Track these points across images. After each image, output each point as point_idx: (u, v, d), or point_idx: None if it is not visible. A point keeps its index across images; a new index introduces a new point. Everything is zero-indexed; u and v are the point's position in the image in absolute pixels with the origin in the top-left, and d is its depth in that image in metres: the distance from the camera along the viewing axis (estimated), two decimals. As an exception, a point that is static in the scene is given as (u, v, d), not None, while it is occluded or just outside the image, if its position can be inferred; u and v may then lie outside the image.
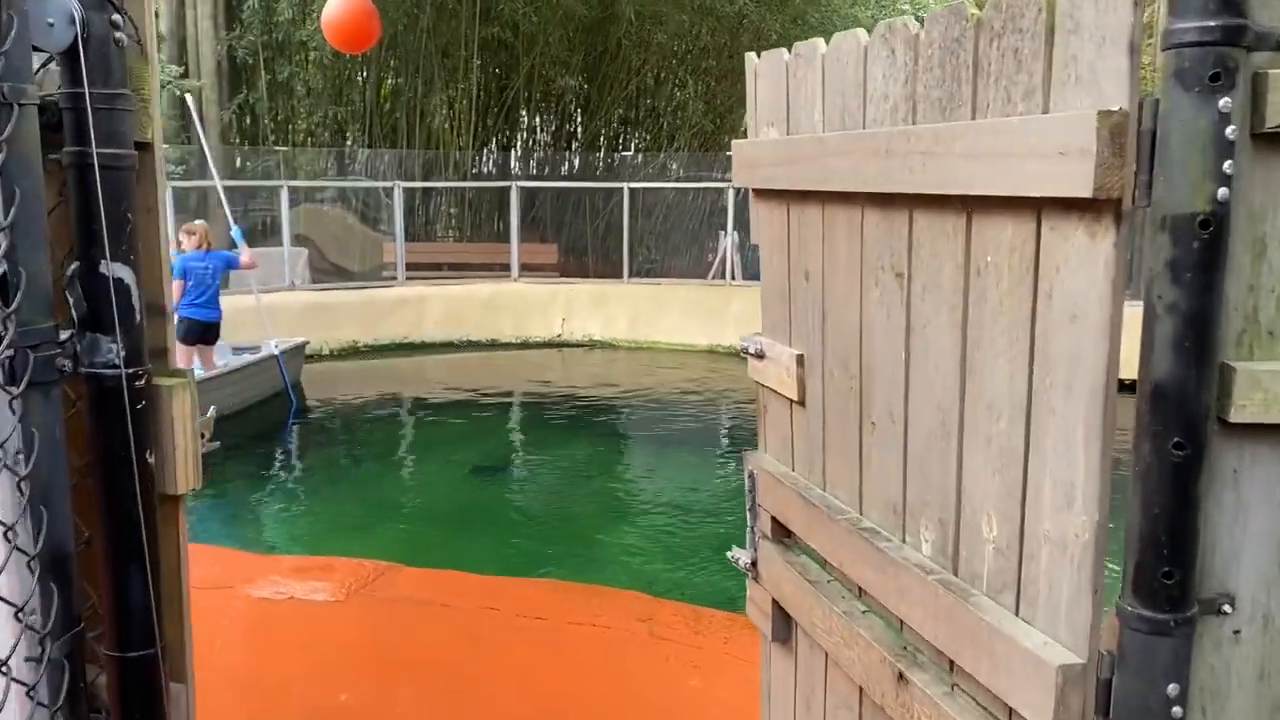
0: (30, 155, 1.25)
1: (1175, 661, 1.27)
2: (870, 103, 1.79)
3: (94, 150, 1.33)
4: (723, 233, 14.92)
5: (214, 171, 10.64)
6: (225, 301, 9.64)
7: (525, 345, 13.68)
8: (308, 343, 11.30)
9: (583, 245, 17.10)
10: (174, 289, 8.73)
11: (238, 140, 16.08)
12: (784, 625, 2.31)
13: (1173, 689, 1.27)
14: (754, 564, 2.38)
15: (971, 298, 1.57)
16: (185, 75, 14.24)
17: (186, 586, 1.60)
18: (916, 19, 1.68)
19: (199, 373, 9.13)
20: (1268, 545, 1.31)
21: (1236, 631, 1.32)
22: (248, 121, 16.57)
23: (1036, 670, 1.38)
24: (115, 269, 1.39)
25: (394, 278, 14.38)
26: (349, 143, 16.84)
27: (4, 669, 1.23)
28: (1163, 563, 1.25)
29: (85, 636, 1.40)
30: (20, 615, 1.26)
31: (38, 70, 1.40)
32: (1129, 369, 1.25)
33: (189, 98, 11.24)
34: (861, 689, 1.93)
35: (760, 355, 2.31)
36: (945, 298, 1.63)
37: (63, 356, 1.36)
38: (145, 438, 1.46)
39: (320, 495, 7.72)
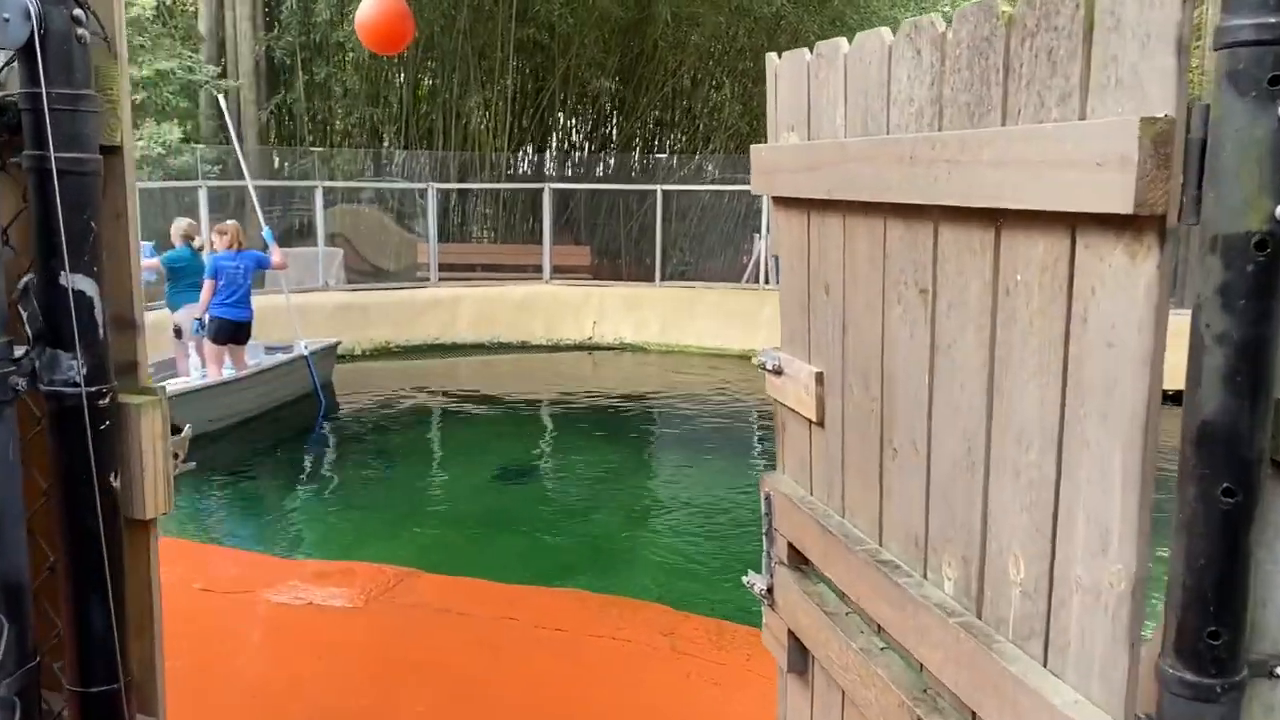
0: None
1: (1221, 729, 1.14)
2: (894, 106, 1.67)
3: (52, 154, 1.25)
4: (757, 235, 14.78)
5: (245, 171, 10.65)
6: (257, 301, 9.65)
7: (556, 348, 13.61)
8: (339, 343, 11.30)
9: (616, 248, 17.01)
10: (205, 289, 8.79)
11: (275, 141, 16.15)
12: (800, 657, 2.19)
13: (1218, 760, 1.14)
14: (770, 591, 2.26)
15: (1000, 318, 1.44)
16: (223, 75, 14.32)
17: (159, 616, 1.51)
18: (944, 18, 1.56)
19: (229, 372, 9.15)
20: (1327, 601, 1.18)
21: (1290, 695, 1.19)
22: (285, 122, 16.65)
23: (1065, 731, 1.25)
24: (76, 281, 1.30)
25: (427, 278, 14.37)
26: (385, 144, 16.87)
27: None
28: (1208, 621, 1.12)
29: (41, 671, 1.31)
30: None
31: (1, 68, 1.32)
32: (1173, 379, 1.13)
33: (222, 98, 11.29)
34: (879, 731, 1.81)
35: (778, 371, 2.20)
36: (972, 317, 1.51)
37: (17, 374, 1.28)
38: (110, 459, 1.37)
39: (346, 497, 7.68)
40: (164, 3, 14.55)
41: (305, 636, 4.52)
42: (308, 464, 8.78)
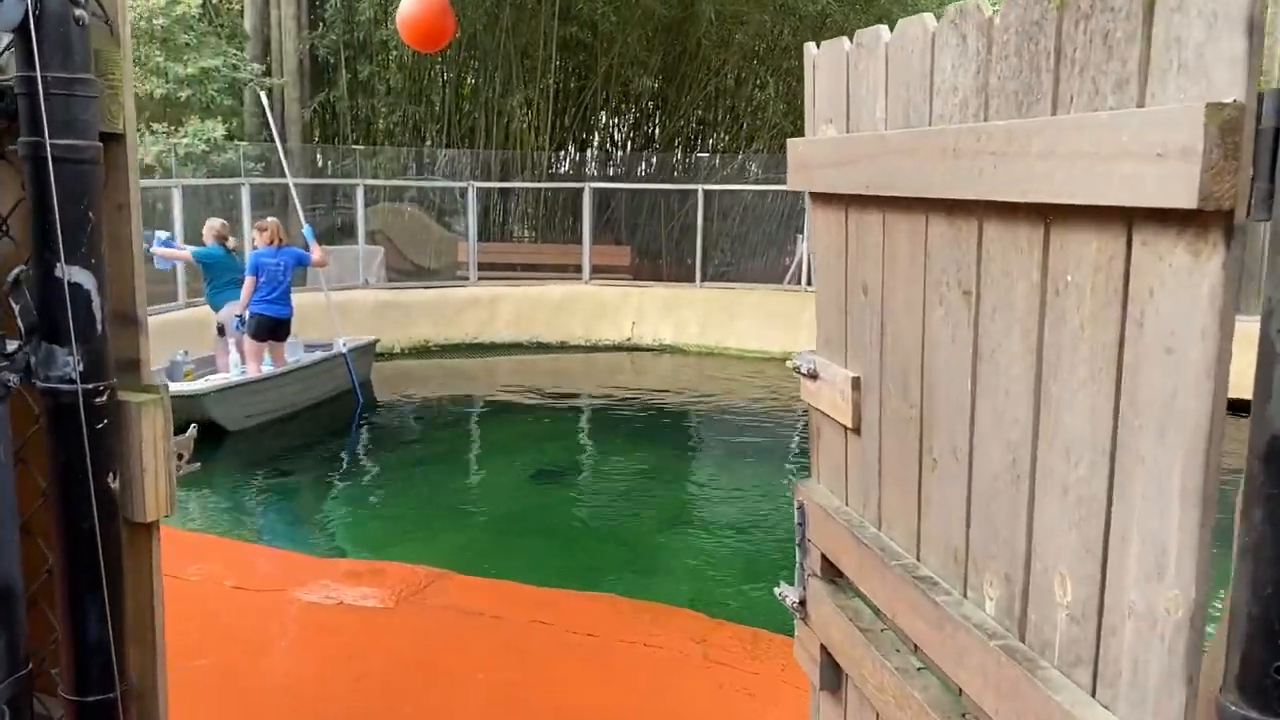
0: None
1: (1290, 775, 1.04)
2: (937, 96, 1.58)
3: (47, 140, 1.19)
4: (800, 236, 14.63)
5: (286, 169, 10.71)
6: (298, 299, 9.70)
7: (595, 348, 13.56)
8: (377, 341, 11.33)
9: (656, 248, 16.93)
10: (246, 285, 8.84)
11: (318, 139, 16.27)
12: (834, 674, 2.10)
13: (1286, 808, 1.04)
14: (803, 603, 2.17)
15: (1048, 321, 1.35)
16: (268, 74, 14.43)
17: (161, 623, 1.46)
18: (990, 2, 1.47)
19: (268, 368, 9.20)
20: None
21: (1367, 738, 1.09)
22: (329, 120, 16.76)
23: (1116, 770, 1.16)
24: (72, 273, 1.25)
25: (467, 277, 14.39)
26: (427, 143, 16.92)
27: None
28: (1276, 655, 1.02)
29: (33, 679, 1.26)
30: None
31: (0, 52, 1.27)
32: (1237, 387, 1.03)
33: (264, 95, 11.36)
34: (914, 757, 1.72)
35: (813, 375, 2.11)
36: (1018, 320, 1.42)
37: (10, 370, 1.23)
38: (108, 459, 1.32)
39: (381, 496, 7.68)
40: (210, 1, 14.70)
41: (335, 637, 4.49)
42: (344, 461, 8.80)
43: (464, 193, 14.82)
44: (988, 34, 1.44)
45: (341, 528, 6.88)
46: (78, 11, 1.22)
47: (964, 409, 1.57)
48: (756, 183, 17.22)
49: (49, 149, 1.21)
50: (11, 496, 1.24)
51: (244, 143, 13.37)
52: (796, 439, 9.63)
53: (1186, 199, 1.03)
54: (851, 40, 1.88)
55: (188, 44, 12.80)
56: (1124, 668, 1.22)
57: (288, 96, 15.06)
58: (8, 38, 1.25)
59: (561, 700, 3.91)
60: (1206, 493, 1.09)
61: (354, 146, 15.58)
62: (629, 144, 19.42)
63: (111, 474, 1.33)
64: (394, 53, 16.29)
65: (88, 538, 1.28)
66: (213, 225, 9.43)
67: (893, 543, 1.83)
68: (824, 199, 2.04)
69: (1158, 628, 1.16)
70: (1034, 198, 1.30)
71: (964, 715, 1.59)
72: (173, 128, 12.32)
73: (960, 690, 1.60)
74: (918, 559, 1.74)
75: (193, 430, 1.49)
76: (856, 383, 1.94)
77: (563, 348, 13.51)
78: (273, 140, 11.00)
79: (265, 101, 10.88)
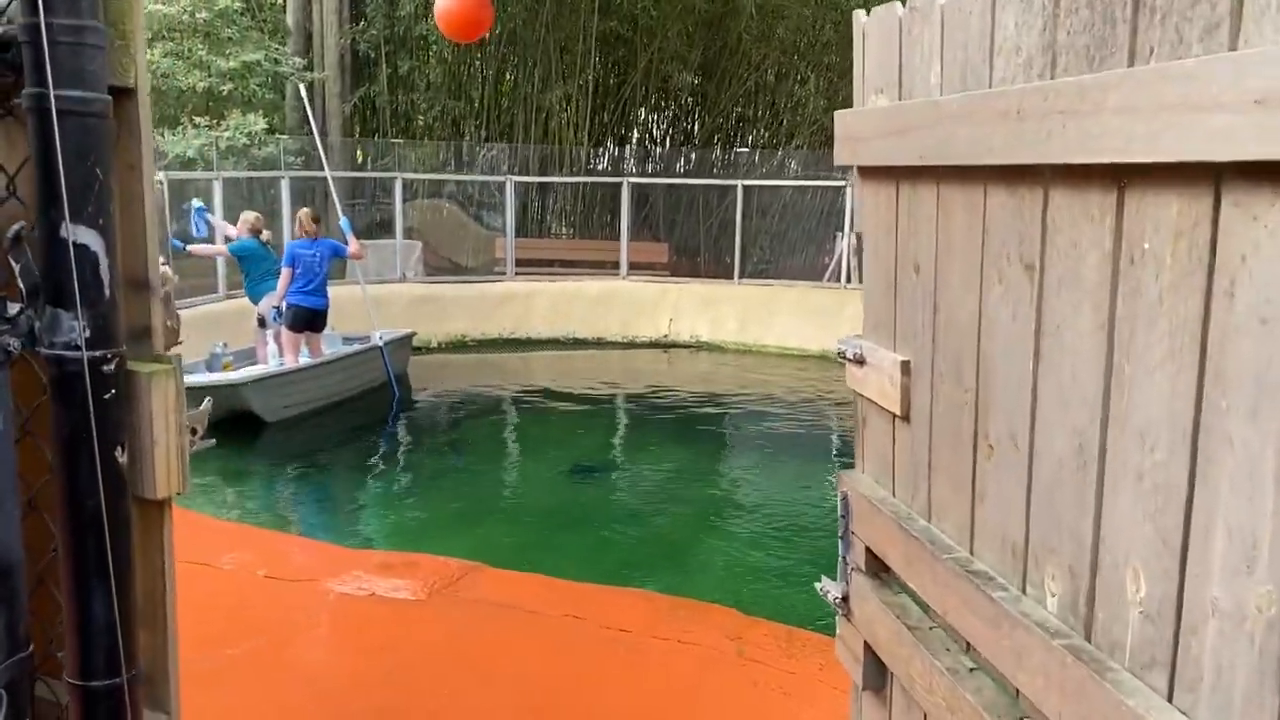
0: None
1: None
2: (998, 57, 1.48)
3: (51, 91, 1.12)
4: (840, 234, 14.46)
5: (325, 162, 10.73)
6: (335, 292, 9.71)
7: (631, 345, 13.48)
8: (414, 334, 11.32)
9: (694, 245, 16.82)
10: (283, 277, 8.86)
11: (358, 133, 16.32)
12: (878, 674, 2.00)
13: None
14: (845, 599, 2.07)
15: (1122, 293, 1.24)
16: (309, 68, 14.49)
17: (172, 606, 1.39)
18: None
19: (305, 359, 9.21)
20: None
21: None
22: (368, 116, 16.81)
23: (1199, 783, 1.05)
24: (78, 233, 1.18)
25: (504, 273, 14.37)
26: (466, 138, 16.93)
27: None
28: (1389, 659, 0.91)
29: (33, 661, 1.20)
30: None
31: (8, 3, 1.21)
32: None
33: (303, 88, 11.39)
34: (966, 763, 1.61)
35: (860, 361, 2.01)
36: (1087, 294, 1.31)
37: (11, 335, 1.16)
38: (115, 431, 1.25)
39: (415, 488, 7.65)
40: (252, -4, 14.81)
41: (366, 628, 4.45)
42: (379, 454, 8.79)
43: (502, 188, 14.79)
44: (1056, -14, 1.33)
45: (376, 519, 6.85)
46: (85, -46, 1.15)
47: (1024, 392, 1.47)
48: (796, 179, 17.06)
49: (53, 100, 1.14)
50: (12, 468, 1.17)
51: (284, 136, 13.43)
52: (835, 437, 9.49)
53: (1289, 150, 0.92)
54: (905, 5, 1.78)
55: (230, 38, 12.87)
56: (1206, 671, 1.11)
57: (328, 91, 15.12)
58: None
59: (594, 696, 3.84)
60: (1307, 477, 0.98)
61: (393, 141, 15.61)
62: (668, 140, 19.32)
63: (119, 447, 1.26)
64: (434, 47, 16.31)
65: (93, 514, 1.22)
66: (246, 218, 9.48)
67: (944, 535, 1.72)
68: (873, 173, 1.93)
69: (1246, 627, 1.05)
70: (1108, 158, 1.19)
71: (1022, 719, 1.49)
72: (215, 121, 12.40)
73: (1018, 692, 1.50)
74: (971, 552, 1.64)
75: (207, 403, 1.43)
76: (906, 367, 1.83)
77: (599, 344, 13.45)
78: (313, 134, 11.03)
79: (304, 94, 10.91)
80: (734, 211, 14.35)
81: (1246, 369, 1.04)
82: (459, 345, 13.05)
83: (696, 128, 19.22)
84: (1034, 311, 1.43)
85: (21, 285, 1.18)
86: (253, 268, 9.32)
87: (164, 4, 12.16)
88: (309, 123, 10.97)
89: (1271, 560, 1.02)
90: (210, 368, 9.16)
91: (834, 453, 8.90)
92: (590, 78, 16.79)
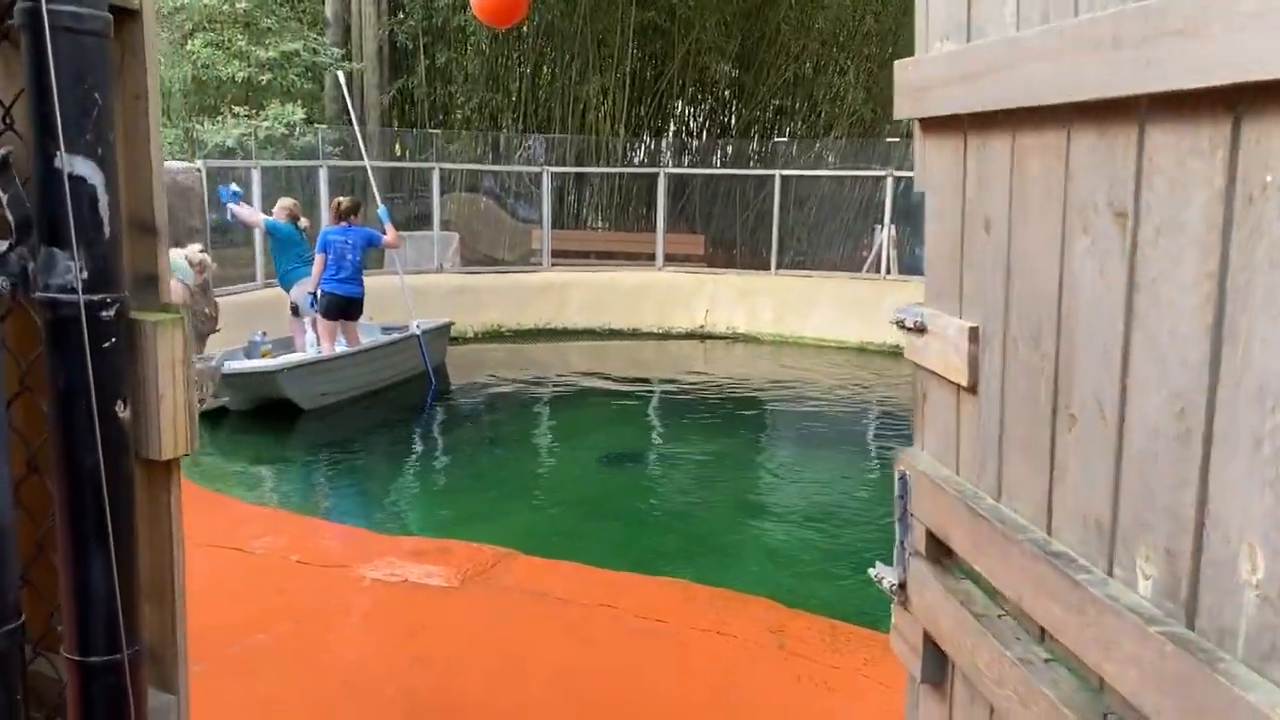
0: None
1: None
2: (1088, -17, 1.33)
3: (44, 5, 1.02)
4: (879, 226, 14.24)
5: (364, 152, 10.70)
6: (374, 281, 9.68)
7: (667, 335, 13.35)
8: (451, 324, 11.27)
9: (731, 236, 16.64)
10: (316, 264, 8.84)
11: (396, 124, 16.31)
12: (938, 665, 1.86)
13: None
14: (902, 586, 1.94)
15: (1236, 238, 1.10)
16: (348, 59, 14.48)
17: (181, 577, 1.28)
18: None
19: (341, 347, 9.18)
20: None
21: None
22: (406, 107, 16.80)
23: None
24: (74, 164, 1.07)
25: (540, 263, 14.30)
26: (503, 129, 16.86)
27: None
28: None
29: (24, 633, 1.10)
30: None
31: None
32: None
33: (341, 75, 11.37)
34: (1041, 763, 1.47)
35: (920, 329, 1.87)
36: (1192, 240, 1.16)
37: (1, 274, 1.06)
38: (116, 384, 1.15)
39: (450, 476, 7.58)
40: (291, -15, 14.83)
41: (398, 615, 4.36)
42: (415, 442, 8.73)
43: (538, 179, 14.71)
44: (1159, -104, 1.19)
45: (410, 506, 6.79)
46: None
47: (1113, 355, 1.33)
48: (834, 170, 16.81)
49: (46, 15, 1.03)
50: (3, 424, 1.07)
51: (323, 126, 13.43)
52: (874, 429, 9.31)
53: None
54: (975, -60, 1.64)
55: (269, 28, 12.89)
56: (1339, 661, 0.97)
57: (367, 83, 15.12)
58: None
59: (629, 688, 3.72)
60: None
61: (431, 132, 15.58)
62: (705, 133, 19.15)
63: (121, 402, 1.15)
64: (472, 39, 16.26)
65: (91, 473, 1.11)
66: (285, 204, 9.50)
67: (1016, 515, 1.58)
68: (937, 126, 1.79)
69: (1392, 611, 0.91)
70: (1225, 78, 1.05)
71: (1107, 715, 1.35)
72: (254, 111, 12.41)
73: (1102, 684, 1.36)
74: (1048, 533, 1.50)
75: (219, 356, 1.32)
76: (974, 334, 1.69)
77: (635, 335, 13.34)
78: (351, 124, 11.00)
79: (343, 81, 10.88)
80: (771, 203, 14.17)
81: (1397, 312, 0.90)
82: (495, 335, 12.99)
83: (733, 120, 19.04)
84: (1126, 264, 1.29)
85: (10, 217, 1.08)
86: (284, 252, 9.34)
87: (204, -6, 12.21)
88: (348, 112, 10.94)
89: None
90: (249, 355, 9.15)
91: (873, 443, 8.72)
92: (627, 69, 16.67)
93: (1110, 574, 1.34)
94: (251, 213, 9.75)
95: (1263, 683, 1.05)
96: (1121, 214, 1.30)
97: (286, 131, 12.07)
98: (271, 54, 12.55)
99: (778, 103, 18.86)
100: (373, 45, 15.13)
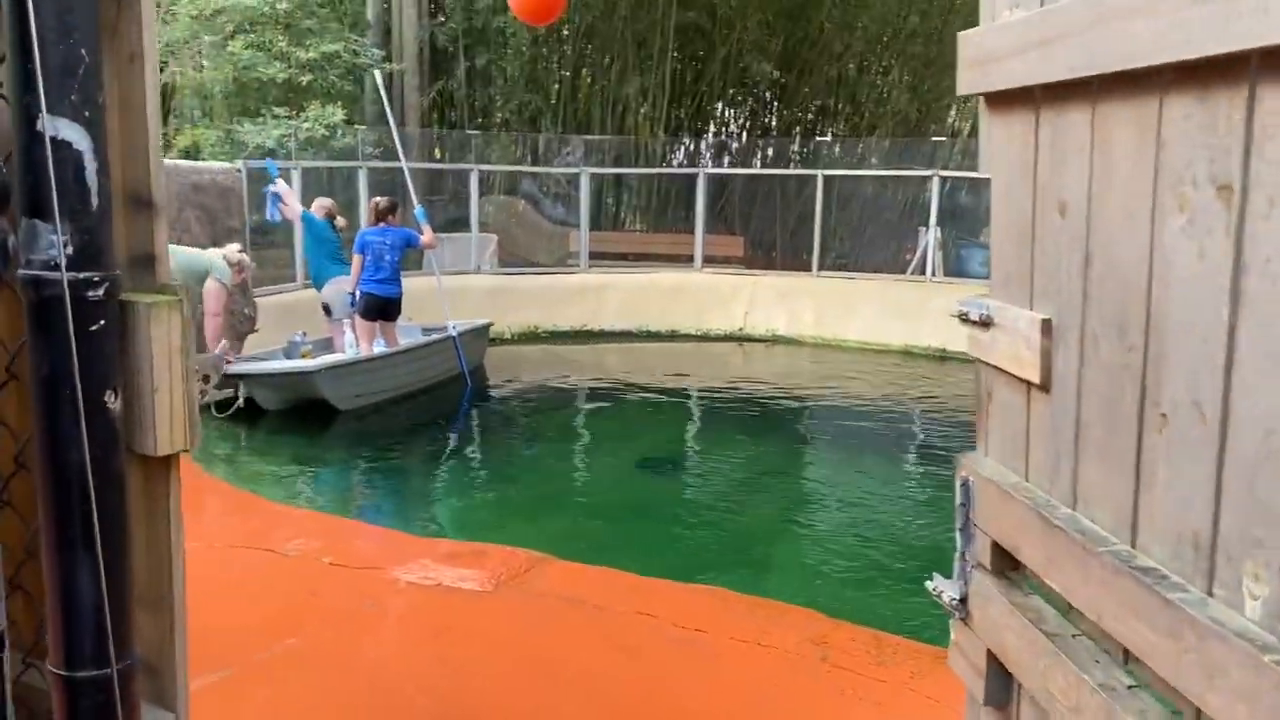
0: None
1: None
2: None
3: (23, -56, 0.91)
4: (923, 228, 14.00)
5: (400, 153, 10.68)
6: (412, 283, 9.65)
7: (705, 338, 13.20)
8: (490, 325, 11.21)
9: (771, 238, 16.47)
10: (355, 264, 8.82)
11: (436, 126, 16.31)
12: (1002, 687, 1.72)
13: None
14: (963, 601, 1.79)
15: (1372, 209, 0.95)
16: (388, 60, 14.50)
17: (180, 585, 1.18)
18: None
19: (379, 348, 9.13)
20: None
21: None
22: (446, 109, 16.80)
23: None
24: (58, 127, 0.97)
25: (577, 265, 14.22)
26: (542, 131, 16.81)
27: None
28: None
29: (4, 647, 0.99)
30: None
31: None
32: None
33: (378, 74, 11.36)
34: (1125, 801, 1.33)
35: (985, 323, 1.73)
36: (1315, 214, 1.02)
37: (-26, 245, 0.96)
38: (105, 371, 1.04)
39: (486, 479, 7.50)
40: (332, -13, 14.88)
41: (430, 619, 4.27)
42: (451, 443, 8.67)
43: (575, 181, 14.63)
44: None
45: (445, 509, 6.71)
46: None
47: (1215, 347, 1.18)
48: (878, 170, 16.58)
49: (25, -44, 0.93)
50: (-24, 410, 0.97)
51: (362, 127, 13.44)
52: (920, 434, 9.11)
53: None
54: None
55: (310, 29, 12.92)
56: None
57: (407, 84, 15.13)
58: None
59: (665, 699, 3.59)
60: None
61: (470, 133, 15.56)
62: (745, 133, 18.98)
63: (110, 391, 1.05)
64: (511, 40, 16.23)
65: (77, 471, 1.01)
66: (322, 203, 9.54)
67: (1095, 526, 1.44)
68: (1005, 101, 1.65)
69: None
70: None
71: (1205, 752, 1.20)
72: (294, 112, 12.45)
73: (1199, 715, 1.21)
74: (1133, 546, 1.35)
75: (223, 346, 1.21)
76: (1047, 326, 1.55)
77: (672, 336, 13.20)
78: (390, 125, 10.99)
79: (381, 85, 10.86)
80: (812, 204, 13.98)
81: None
82: (532, 337, 12.92)
83: (774, 120, 18.87)
84: (1231, 244, 1.15)
85: (-16, 183, 0.98)
86: (316, 247, 9.37)
87: (246, -4, 12.26)
88: (386, 113, 10.92)
89: None
90: (289, 355, 9.14)
91: (918, 450, 8.52)
92: (667, 70, 16.56)
93: (1210, 593, 1.20)
94: (290, 194, 9.75)
95: None
96: (1225, 187, 1.15)
97: (326, 133, 12.08)
98: (312, 55, 12.58)
99: (820, 103, 18.66)
100: (413, 47, 15.14)
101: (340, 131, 12.39)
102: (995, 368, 1.73)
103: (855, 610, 4.75)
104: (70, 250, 1.00)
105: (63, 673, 1.07)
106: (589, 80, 17.28)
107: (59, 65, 0.97)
